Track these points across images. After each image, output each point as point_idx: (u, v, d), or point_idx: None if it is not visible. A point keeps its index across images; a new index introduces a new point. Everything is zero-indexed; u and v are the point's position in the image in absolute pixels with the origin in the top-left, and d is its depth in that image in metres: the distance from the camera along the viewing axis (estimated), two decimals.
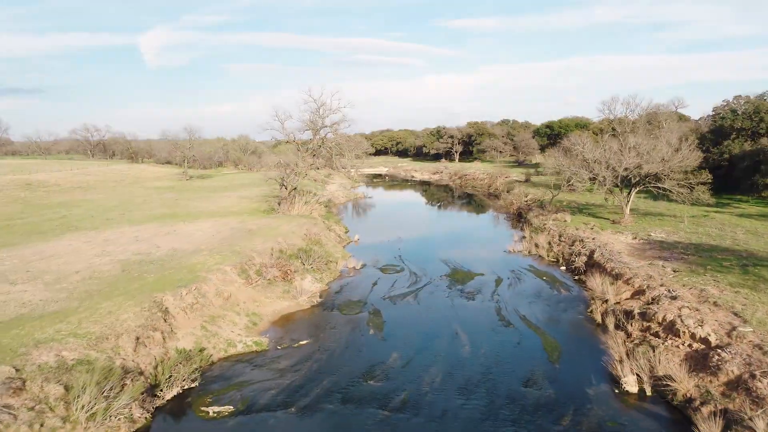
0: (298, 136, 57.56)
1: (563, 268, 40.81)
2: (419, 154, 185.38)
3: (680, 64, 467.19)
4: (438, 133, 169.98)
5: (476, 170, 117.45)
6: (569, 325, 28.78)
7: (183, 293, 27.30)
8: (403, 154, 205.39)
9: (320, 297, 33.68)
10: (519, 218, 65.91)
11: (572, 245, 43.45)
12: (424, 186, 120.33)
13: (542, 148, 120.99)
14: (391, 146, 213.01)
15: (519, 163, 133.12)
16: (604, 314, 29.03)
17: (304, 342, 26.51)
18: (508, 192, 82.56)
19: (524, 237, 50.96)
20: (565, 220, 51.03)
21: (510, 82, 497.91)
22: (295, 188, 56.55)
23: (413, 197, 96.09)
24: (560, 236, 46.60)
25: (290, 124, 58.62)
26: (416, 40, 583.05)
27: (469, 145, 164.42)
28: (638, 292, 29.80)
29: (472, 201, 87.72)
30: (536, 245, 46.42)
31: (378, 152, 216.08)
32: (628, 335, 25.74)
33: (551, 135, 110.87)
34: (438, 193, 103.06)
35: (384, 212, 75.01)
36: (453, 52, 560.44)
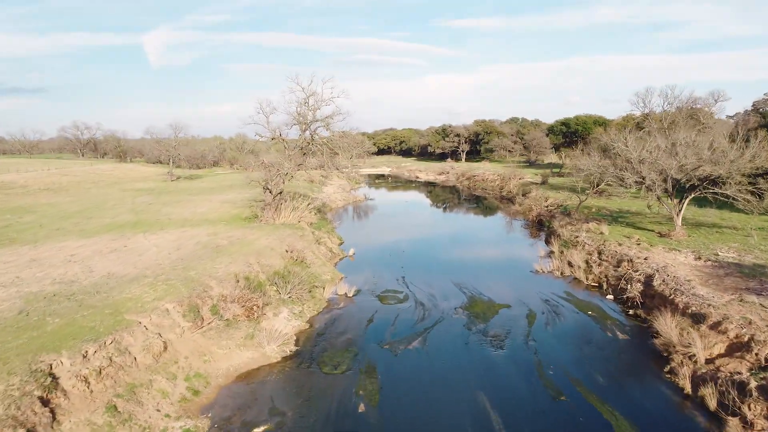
0: (286, 132, 48.86)
1: (610, 296, 31.98)
2: (424, 154, 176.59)
3: (680, 64, 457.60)
4: (444, 132, 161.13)
5: (485, 171, 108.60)
6: (645, 397, 19.96)
7: (89, 352, 18.69)
8: (407, 153, 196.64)
9: (296, 343, 24.98)
10: (540, 226, 57.14)
11: (618, 266, 34.61)
12: (430, 187, 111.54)
13: (556, 147, 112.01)
14: (395, 145, 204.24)
15: (530, 163, 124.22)
16: (695, 380, 20.25)
17: (261, 430, 17.83)
18: (524, 195, 73.69)
19: (552, 252, 42.22)
20: (602, 232, 42.14)
21: (510, 82, 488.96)
22: (281, 192, 47.90)
23: (418, 200, 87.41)
24: (600, 253, 37.74)
25: (276, 118, 50.01)
26: (417, 40, 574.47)
27: (477, 144, 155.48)
28: (738, 346, 21.00)
29: (483, 205, 78.95)
30: (569, 264, 37.67)
31: (381, 151, 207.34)
32: (748, 424, 16.97)
33: (567, 133, 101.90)
34: (445, 196, 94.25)
35: (385, 218, 66.38)
36: (454, 52, 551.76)
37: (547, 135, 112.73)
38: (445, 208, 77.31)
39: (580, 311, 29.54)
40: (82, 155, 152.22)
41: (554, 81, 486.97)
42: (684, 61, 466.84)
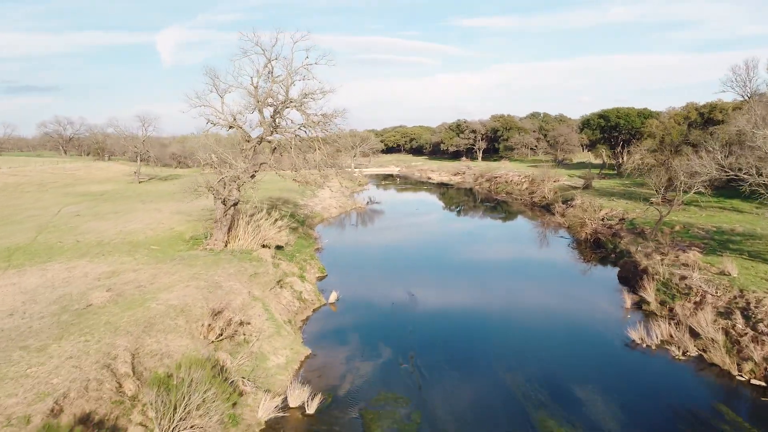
0: (245, 119, 33.50)
1: None
2: (436, 152, 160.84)
3: (694, 63, 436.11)
4: (458, 128, 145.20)
5: (508, 171, 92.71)
6: None
7: None
8: (417, 151, 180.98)
9: None
10: (597, 248, 41.53)
11: None
12: (443, 189, 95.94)
13: (592, 144, 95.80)
14: (404, 143, 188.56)
15: (558, 163, 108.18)
16: None
17: None
18: (565, 203, 57.88)
19: (645, 303, 26.62)
20: (727, 273, 26.33)
21: (522, 81, 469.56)
22: (236, 204, 32.59)
23: (430, 205, 71.89)
24: (748, 317, 22.02)
25: (235, 98, 34.42)
26: (429, 39, 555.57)
27: (494, 141, 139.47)
28: None
29: (511, 213, 63.24)
30: (692, 333, 22.06)
31: (389, 149, 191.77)
32: None
33: (606, 128, 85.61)
34: (462, 200, 78.60)
35: (390, 232, 51.02)
36: (465, 51, 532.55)
37: (581, 130, 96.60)
38: (464, 218, 61.74)
39: None
40: (65, 152, 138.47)
41: (566, 80, 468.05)
42: (698, 60, 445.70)
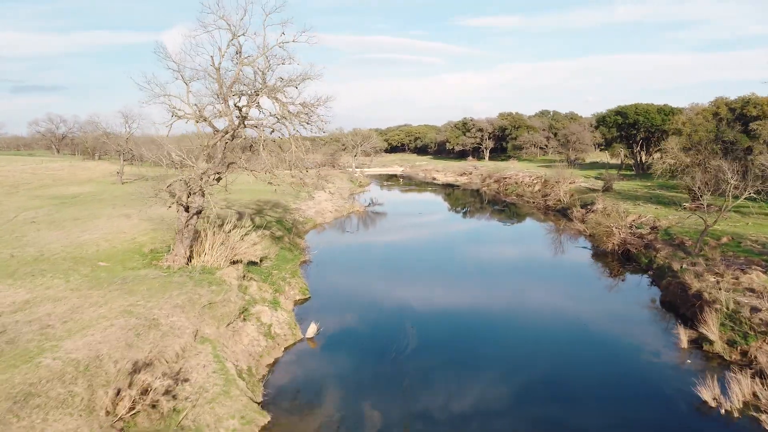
0: (214, 112, 27.73)
1: None
2: (441, 151, 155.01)
3: (701, 62, 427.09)
4: (464, 126, 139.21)
5: (518, 171, 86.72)
6: None
7: None
8: (422, 151, 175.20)
9: None
10: (626, 260, 35.70)
11: None
12: (449, 190, 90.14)
13: (608, 143, 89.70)
14: (409, 142, 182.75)
15: (570, 163, 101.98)
16: None
17: None
18: (584, 208, 51.94)
19: (704, 341, 20.80)
20: None
21: (528, 81, 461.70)
22: (200, 213, 26.93)
23: (435, 209, 66.08)
24: None
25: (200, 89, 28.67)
26: (435, 38, 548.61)
27: (502, 140, 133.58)
28: None
29: (523, 218, 57.36)
30: None
31: (393, 149, 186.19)
32: None
33: (623, 125, 79.45)
34: (469, 203, 72.77)
35: (388, 240, 45.34)
36: (471, 51, 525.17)
37: (596, 128, 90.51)
38: (471, 223, 55.91)
39: None
40: (57, 151, 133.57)
41: (571, 80, 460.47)
42: (705, 60, 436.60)
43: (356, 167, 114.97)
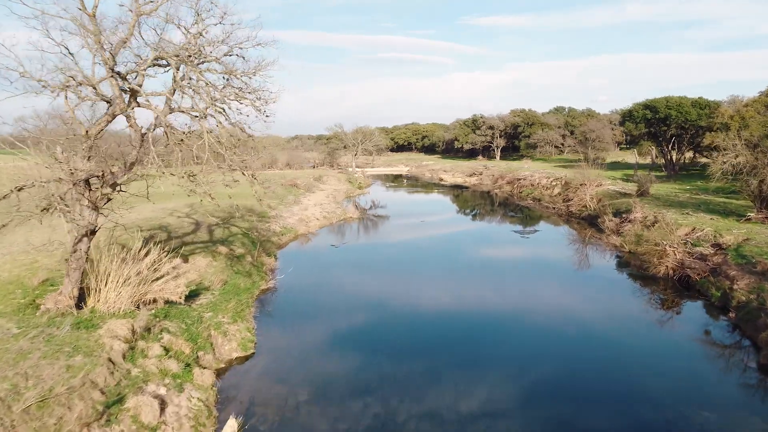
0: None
1: None
2: (449, 150, 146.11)
3: (711, 62, 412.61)
4: (474, 124, 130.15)
5: (533, 172, 77.70)
6: None
7: None
8: (429, 150, 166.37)
9: None
10: (687, 290, 26.93)
11: None
12: (457, 192, 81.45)
13: (633, 141, 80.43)
14: (416, 141, 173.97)
15: (589, 162, 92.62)
16: None
17: None
18: (619, 217, 42.94)
19: None
20: None
21: (537, 80, 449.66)
22: (92, 233, 18.60)
23: (440, 214, 57.39)
24: None
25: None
26: (444, 37, 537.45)
27: (515, 138, 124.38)
28: None
29: (542, 227, 48.46)
30: None
31: (400, 148, 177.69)
32: None
33: (653, 121, 70.16)
34: (477, 204, 63.98)
35: (380, 258, 36.83)
36: (480, 50, 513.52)
37: (622, 123, 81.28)
38: (481, 232, 47.15)
39: None
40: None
41: (581, 79, 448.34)
42: (716, 59, 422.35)
43: (357, 167, 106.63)
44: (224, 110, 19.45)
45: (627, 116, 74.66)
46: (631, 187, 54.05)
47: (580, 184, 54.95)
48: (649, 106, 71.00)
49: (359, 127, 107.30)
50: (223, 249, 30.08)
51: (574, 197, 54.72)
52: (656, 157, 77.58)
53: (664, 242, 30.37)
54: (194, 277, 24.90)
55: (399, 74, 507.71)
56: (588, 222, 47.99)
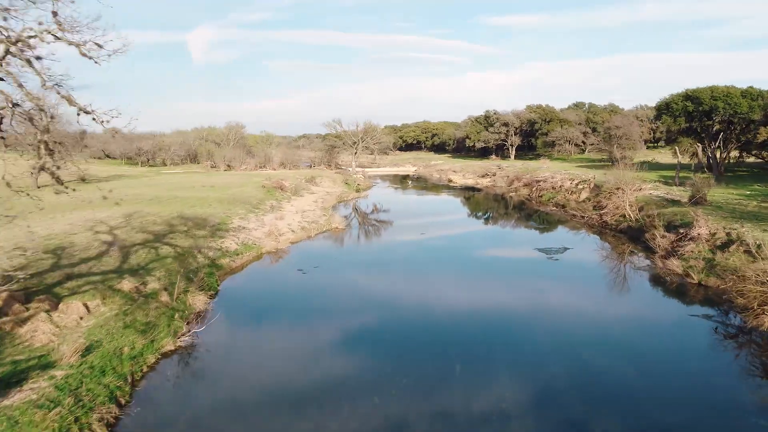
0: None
1: None
2: (460, 149, 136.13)
3: (727, 61, 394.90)
4: (486, 121, 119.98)
5: (554, 173, 67.67)
6: None
7: None
8: (440, 149, 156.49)
9: None
10: None
11: None
12: (467, 194, 71.86)
13: (671, 138, 69.98)
14: (425, 139, 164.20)
15: (614, 163, 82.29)
16: None
17: None
18: (673, 232, 32.91)
19: None
20: None
21: (552, 79, 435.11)
22: None
23: (445, 223, 47.87)
24: None
25: None
26: (458, 37, 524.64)
27: (531, 136, 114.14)
28: None
29: (570, 242, 38.58)
30: None
31: (409, 146, 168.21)
32: None
33: (695, 114, 59.80)
34: (489, 209, 54.26)
35: (358, 286, 27.48)
36: (495, 49, 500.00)
37: (657, 117, 70.88)
38: (495, 251, 37.43)
39: None
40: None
41: (596, 79, 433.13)
42: (732, 58, 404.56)
43: (361, 166, 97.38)
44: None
45: (664, 109, 64.23)
46: (678, 193, 44.05)
47: (616, 189, 44.98)
48: (691, 96, 60.59)
49: (363, 123, 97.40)
50: (126, 284, 20.95)
51: (608, 204, 44.75)
52: (693, 156, 67.17)
53: (749, 276, 20.51)
54: (45, 339, 15.79)
55: (412, 74, 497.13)
56: (629, 236, 38.14)
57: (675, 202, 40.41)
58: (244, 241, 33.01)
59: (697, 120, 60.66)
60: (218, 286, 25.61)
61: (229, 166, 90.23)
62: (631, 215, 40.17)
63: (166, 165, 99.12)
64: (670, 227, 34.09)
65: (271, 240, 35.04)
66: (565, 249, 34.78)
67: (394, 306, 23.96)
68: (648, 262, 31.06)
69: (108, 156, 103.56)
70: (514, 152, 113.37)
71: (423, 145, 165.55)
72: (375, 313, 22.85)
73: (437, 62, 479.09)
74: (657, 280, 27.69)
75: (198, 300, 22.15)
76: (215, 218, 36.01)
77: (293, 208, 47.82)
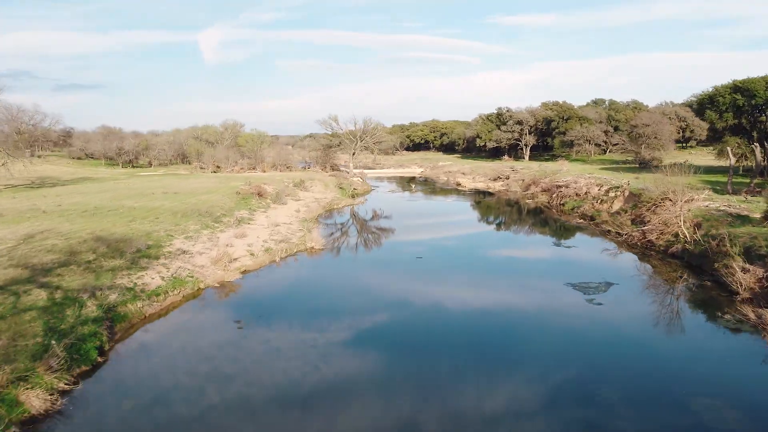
0: None
1: None
2: (470, 149, 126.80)
3: (739, 61, 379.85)
4: (499, 119, 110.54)
5: (576, 177, 58.27)
6: None
7: None
8: (449, 149, 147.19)
9: None
10: None
11: None
12: (478, 199, 63.03)
13: (715, 136, 60.29)
14: (434, 139, 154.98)
15: (642, 165, 72.65)
16: None
17: None
18: (759, 264, 23.83)
19: None
20: None
21: (563, 79, 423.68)
22: None
23: (446, 244, 39.09)
24: None
25: None
26: (469, 36, 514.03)
27: (547, 135, 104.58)
28: None
29: (616, 274, 29.49)
30: None
31: (417, 146, 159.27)
32: None
33: (744, 108, 50.30)
34: (500, 218, 45.28)
35: (323, 359, 18.86)
36: (506, 49, 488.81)
37: (700, 113, 61.37)
38: (517, 301, 28.51)
39: None
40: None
41: (607, 78, 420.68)
42: (744, 57, 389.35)
43: (361, 168, 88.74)
44: None
45: (707, 103, 54.74)
46: (741, 205, 34.77)
47: (661, 199, 35.75)
48: (741, 88, 51.08)
49: (363, 120, 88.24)
50: None
51: (651, 218, 35.55)
52: (741, 158, 57.46)
53: None
54: None
55: (423, 74, 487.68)
56: (686, 262, 29.08)
57: (743, 218, 31.18)
58: (176, 272, 24.50)
59: (748, 115, 51.13)
60: (107, 352, 17.11)
61: (218, 167, 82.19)
62: (688, 235, 30.98)
63: (151, 166, 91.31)
64: (749, 254, 24.95)
65: (218, 269, 26.53)
66: (609, 285, 25.67)
67: (375, 307, 15.28)
68: (731, 311, 21.95)
69: (90, 156, 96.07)
70: (528, 153, 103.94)
71: (431, 145, 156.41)
72: (346, 315, 14.24)
73: (448, 62, 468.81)
74: (752, 343, 18.67)
75: (36, 397, 13.58)
76: (148, 239, 27.56)
77: (267, 221, 39.32)
